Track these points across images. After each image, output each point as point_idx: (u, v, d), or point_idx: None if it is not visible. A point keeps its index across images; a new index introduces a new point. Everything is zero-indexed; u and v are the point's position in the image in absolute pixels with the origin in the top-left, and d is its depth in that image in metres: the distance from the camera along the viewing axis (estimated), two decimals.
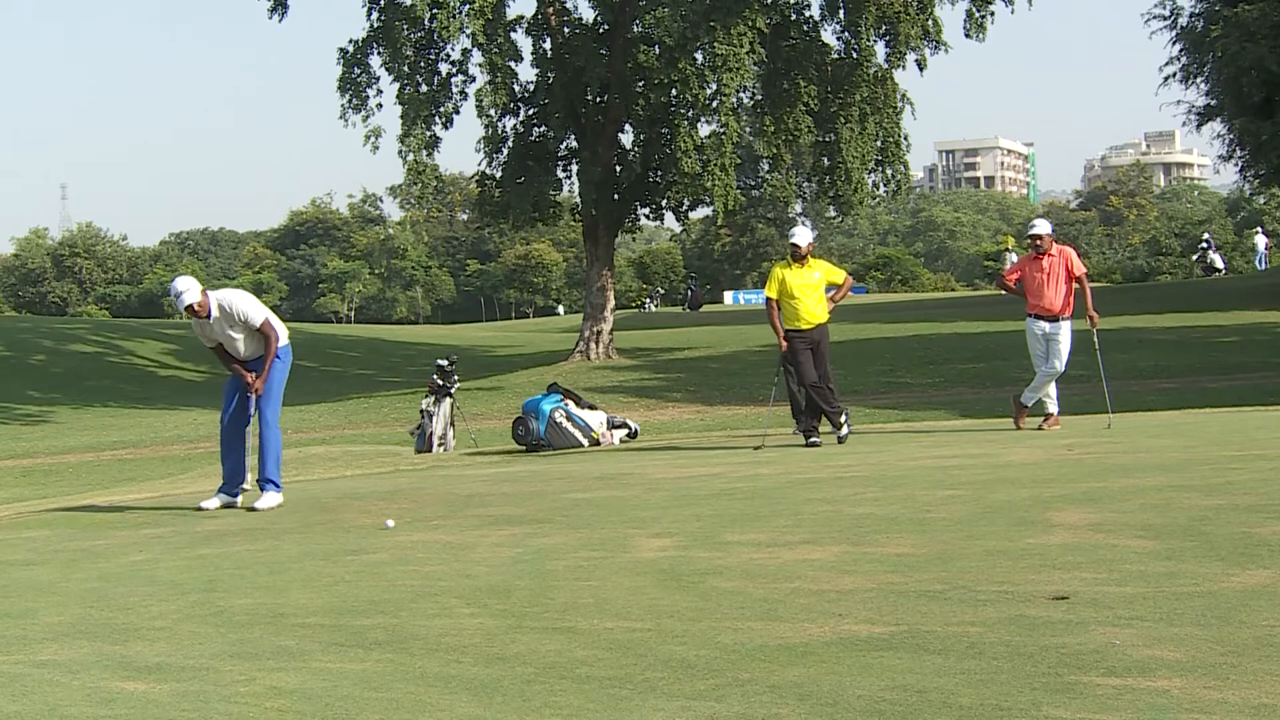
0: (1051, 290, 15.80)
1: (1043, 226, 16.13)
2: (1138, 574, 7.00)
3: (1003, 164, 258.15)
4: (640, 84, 41.29)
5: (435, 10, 38.45)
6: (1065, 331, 15.86)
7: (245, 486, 12.89)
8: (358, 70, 40.44)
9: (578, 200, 43.70)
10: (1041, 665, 5.42)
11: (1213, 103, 50.15)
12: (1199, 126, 51.45)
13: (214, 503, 12.74)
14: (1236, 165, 52.65)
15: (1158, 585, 6.69)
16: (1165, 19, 50.13)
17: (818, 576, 7.50)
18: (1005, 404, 18.90)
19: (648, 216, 45.40)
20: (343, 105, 40.29)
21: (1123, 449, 13.12)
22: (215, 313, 12.43)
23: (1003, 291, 16.90)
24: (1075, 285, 15.97)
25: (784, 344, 16.21)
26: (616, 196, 42.26)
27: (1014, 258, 68.42)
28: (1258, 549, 7.43)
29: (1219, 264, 65.40)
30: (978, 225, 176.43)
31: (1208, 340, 36.11)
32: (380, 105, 40.71)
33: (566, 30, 41.66)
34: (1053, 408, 16.20)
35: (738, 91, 39.96)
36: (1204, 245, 67.63)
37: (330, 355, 52.99)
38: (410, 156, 39.73)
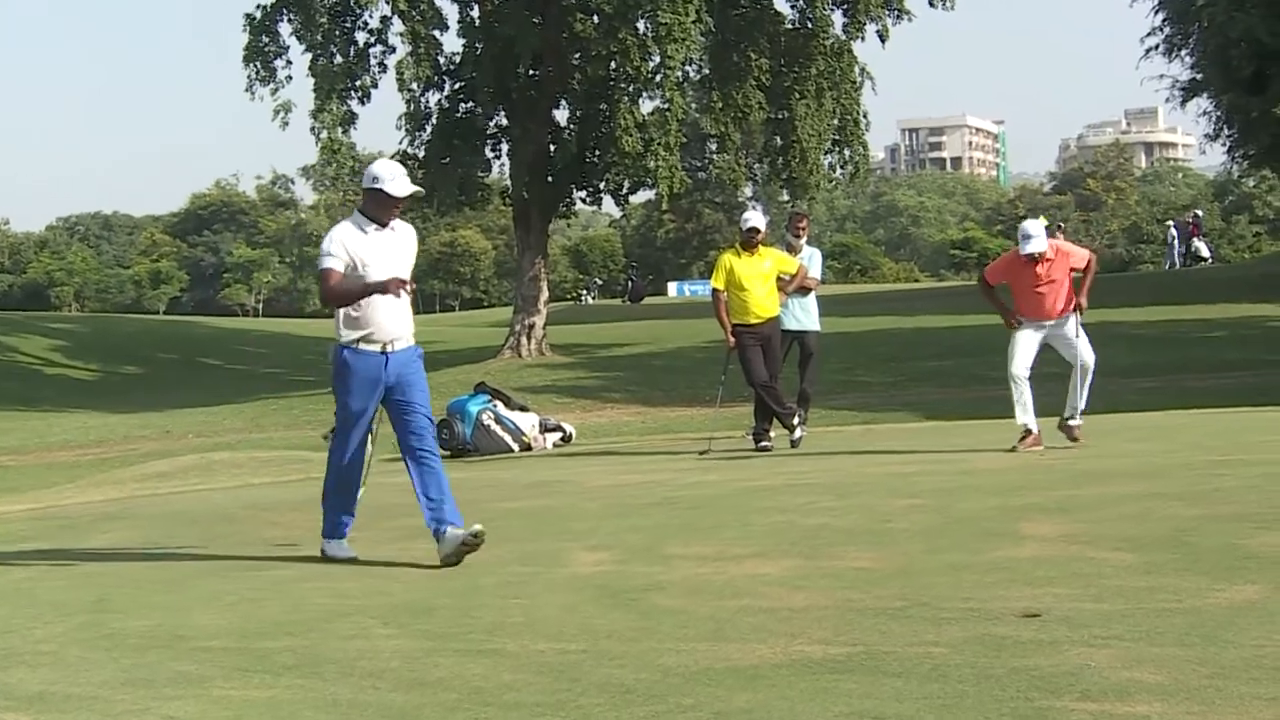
0: (1051, 299, 14.52)
1: (1039, 240, 14.41)
2: (1115, 589, 7.04)
3: (970, 144, 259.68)
4: (577, 56, 41.23)
5: None
6: (1073, 324, 14.57)
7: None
8: (266, 39, 40.23)
9: (508, 183, 43.66)
10: (1010, 689, 5.43)
11: (1198, 77, 50.50)
12: (1183, 103, 51.85)
13: (349, 552, 9.82)
14: (1224, 145, 53.01)
15: (1136, 602, 6.74)
16: None
17: (768, 593, 7.51)
18: (973, 405, 18.99)
19: (584, 200, 45.36)
20: (249, 77, 40.08)
21: (1099, 453, 13.21)
22: (394, 226, 9.60)
23: (984, 297, 15.27)
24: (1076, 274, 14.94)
25: (731, 339, 16.23)
26: (550, 179, 42.19)
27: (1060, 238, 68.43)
28: (1245, 562, 7.48)
29: (1205, 252, 65.75)
30: (943, 210, 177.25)
31: (1192, 335, 36.41)
32: (290, 78, 40.56)
33: None
34: (1076, 419, 14.67)
35: (683, 64, 39.93)
36: (1190, 222, 68.01)
37: (236, 352, 52.75)
38: (324, 134, 39.54)
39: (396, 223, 9.50)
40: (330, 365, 9.69)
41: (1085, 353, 14.39)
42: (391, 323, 9.35)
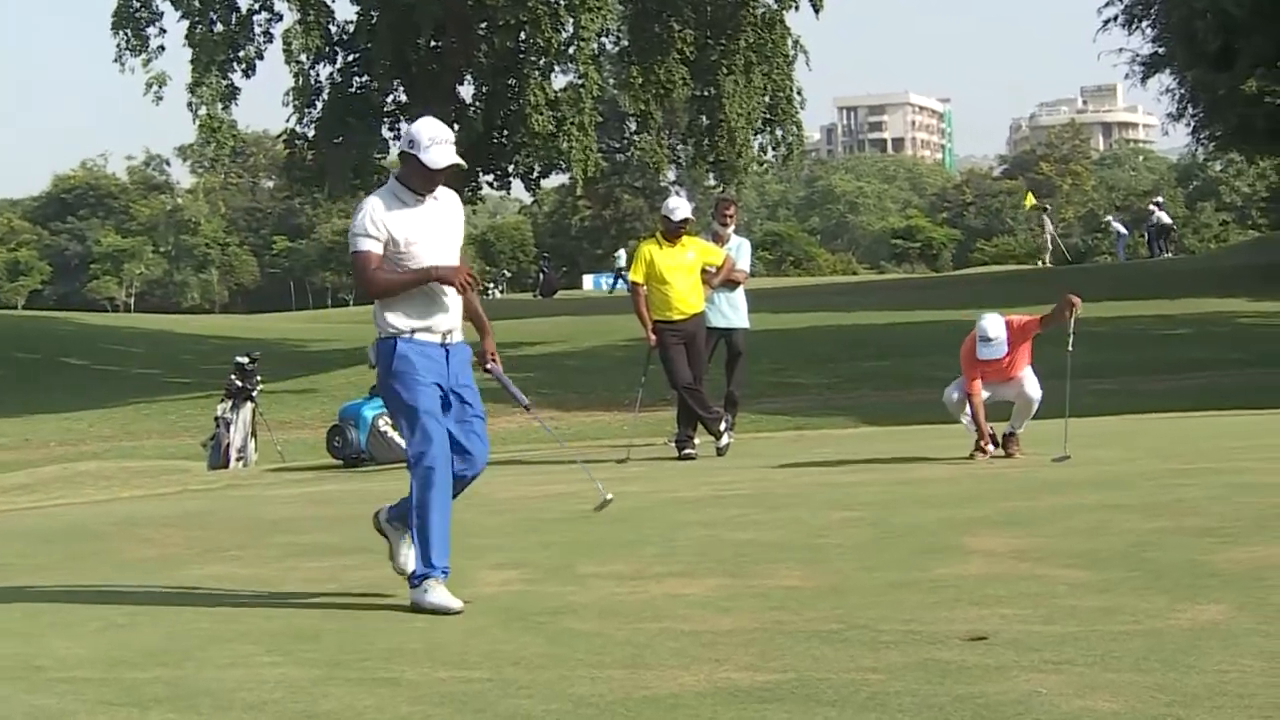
0: (1008, 366, 14.37)
1: (998, 346, 14.11)
2: (1068, 610, 7.10)
3: (914, 124, 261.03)
4: (482, 25, 41.14)
5: None
6: (1026, 375, 14.52)
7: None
8: (137, 4, 39.91)
9: None
10: (954, 718, 5.46)
11: (1161, 51, 50.79)
12: (1144, 79, 52.17)
13: (453, 601, 8.19)
14: (1188, 125, 53.31)
15: (1091, 623, 6.79)
16: None
17: (691, 615, 7.52)
18: (915, 409, 19.04)
19: (491, 185, 45.29)
20: (118, 46, 39.76)
21: (1052, 462, 13.28)
22: (437, 195, 8.61)
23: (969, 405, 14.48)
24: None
25: (652, 337, 16.23)
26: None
27: (1048, 223, 69.75)
28: (1208, 580, 7.56)
29: (1166, 219, 66.07)
30: (884, 196, 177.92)
31: (1154, 332, 36.69)
32: (164, 47, 40.24)
33: None
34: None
35: (599, 35, 40.01)
36: (1152, 209, 68.67)
37: (105, 351, 52.22)
38: (202, 110, 39.27)
39: (440, 190, 8.57)
40: (375, 365, 8.65)
41: (1032, 390, 14.44)
42: (449, 309, 8.44)
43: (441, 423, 8.25)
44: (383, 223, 8.28)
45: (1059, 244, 69.85)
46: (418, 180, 8.40)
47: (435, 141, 8.35)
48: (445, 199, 8.56)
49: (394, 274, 8.26)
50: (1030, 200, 77.28)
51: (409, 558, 8.40)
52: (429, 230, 8.37)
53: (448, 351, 8.36)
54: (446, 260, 8.39)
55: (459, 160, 8.49)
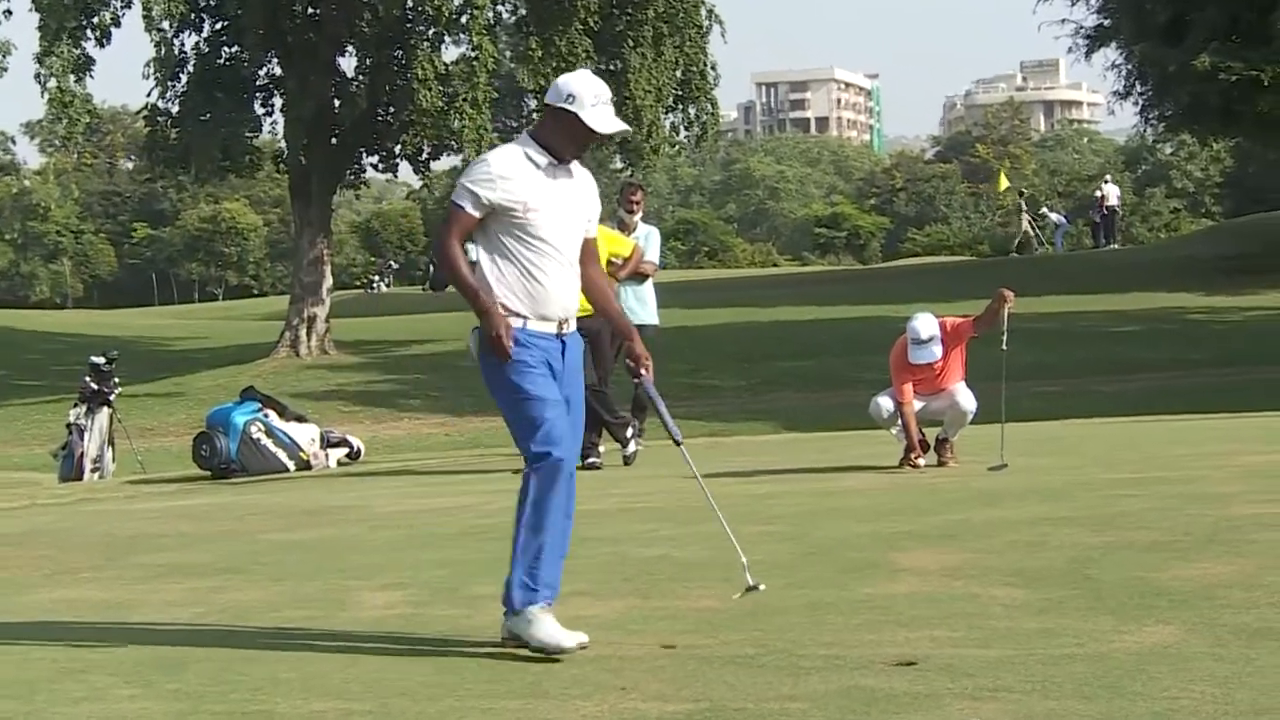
0: (943, 375, 14.52)
1: (933, 349, 14.26)
2: (1004, 632, 7.15)
3: (839, 102, 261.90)
4: None
5: None
6: (959, 388, 14.63)
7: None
8: None
9: (282, 145, 43.24)
10: None
11: (1106, 23, 51.06)
12: (1089, 54, 52.35)
13: (568, 638, 7.43)
14: (1136, 104, 53.56)
15: (1029, 646, 6.84)
16: None
17: (595, 638, 7.51)
18: (840, 413, 19.10)
19: (376, 167, 45.18)
20: None
21: (988, 471, 13.37)
22: (572, 169, 7.79)
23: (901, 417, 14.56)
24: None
25: None
26: (334, 140, 41.92)
27: (1024, 209, 69.80)
28: (1156, 599, 7.63)
29: (1112, 200, 66.33)
30: (807, 181, 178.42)
31: (1099, 330, 37.01)
32: (10, 12, 39.89)
33: None
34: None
35: (494, 3, 39.90)
36: (1099, 195, 69.05)
37: None
38: (52, 82, 38.86)
39: (576, 166, 7.80)
40: (475, 359, 7.73)
41: (966, 402, 14.43)
42: (568, 294, 7.71)
43: (563, 410, 7.58)
44: (504, 182, 7.52)
45: (1037, 230, 69.88)
46: (568, 141, 7.64)
47: (600, 101, 7.56)
48: (580, 176, 7.82)
49: (467, 272, 7.55)
50: (1004, 183, 77.22)
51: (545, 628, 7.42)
52: (557, 201, 7.61)
53: (564, 344, 7.71)
54: (571, 240, 7.69)
55: (626, 127, 8.09)
